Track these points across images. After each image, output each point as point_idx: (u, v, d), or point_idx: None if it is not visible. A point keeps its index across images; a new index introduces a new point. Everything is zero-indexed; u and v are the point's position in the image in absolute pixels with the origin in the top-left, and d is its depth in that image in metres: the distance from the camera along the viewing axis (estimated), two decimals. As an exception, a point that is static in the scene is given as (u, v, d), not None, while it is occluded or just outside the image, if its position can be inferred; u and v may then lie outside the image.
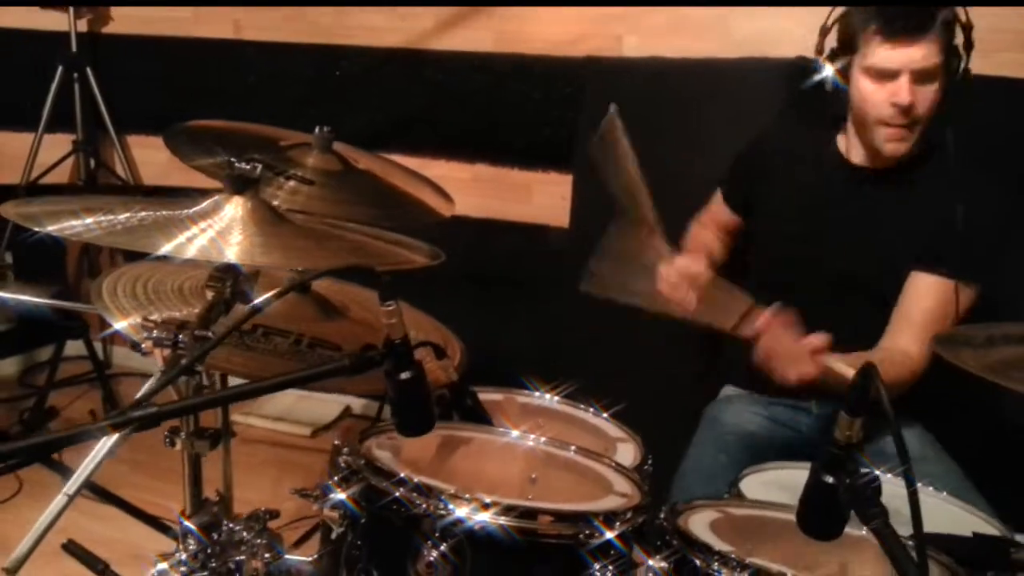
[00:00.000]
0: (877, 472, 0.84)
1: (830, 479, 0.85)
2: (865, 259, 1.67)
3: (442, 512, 0.99)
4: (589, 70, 2.53)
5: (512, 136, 2.75)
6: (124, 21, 2.98)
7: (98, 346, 3.07)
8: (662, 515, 1.10)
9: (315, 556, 1.20)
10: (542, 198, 2.73)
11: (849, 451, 0.84)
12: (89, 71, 2.85)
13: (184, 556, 1.14)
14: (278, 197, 1.63)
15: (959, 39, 1.55)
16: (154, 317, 1.39)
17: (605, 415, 1.63)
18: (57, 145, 2.91)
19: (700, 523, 1.10)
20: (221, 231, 1.05)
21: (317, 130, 1.82)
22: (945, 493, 1.40)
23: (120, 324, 1.39)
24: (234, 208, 1.13)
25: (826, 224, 1.71)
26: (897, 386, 1.53)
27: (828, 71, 1.65)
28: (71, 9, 2.84)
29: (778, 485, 1.41)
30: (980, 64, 2.13)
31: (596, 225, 2.55)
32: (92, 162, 2.89)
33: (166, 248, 0.97)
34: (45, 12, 2.86)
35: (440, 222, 1.89)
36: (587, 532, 1.02)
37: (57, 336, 2.97)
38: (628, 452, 1.53)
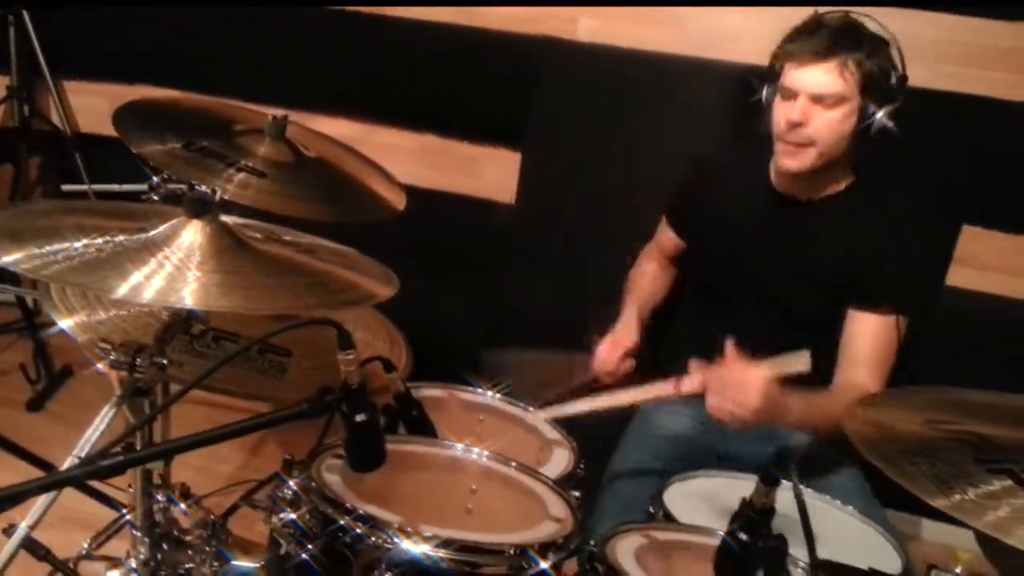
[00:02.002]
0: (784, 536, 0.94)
1: (744, 537, 0.94)
2: (792, 284, 1.75)
3: (387, 544, 1.06)
4: (544, 51, 2.54)
5: (463, 109, 2.75)
6: (61, -39, 2.86)
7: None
8: (592, 543, 1.19)
9: (261, 563, 1.25)
10: (490, 173, 2.76)
11: (763, 516, 0.93)
12: (25, 14, 2.73)
13: (134, 564, 1.19)
14: (227, 190, 1.63)
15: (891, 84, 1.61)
16: (101, 317, 1.42)
17: (544, 416, 1.71)
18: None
19: (626, 550, 1.19)
20: (179, 263, 1.07)
21: (272, 118, 1.82)
22: (851, 508, 1.52)
23: (65, 323, 1.40)
24: (193, 233, 1.14)
25: (755, 249, 1.79)
26: None
27: (766, 91, 1.72)
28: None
29: (700, 495, 1.51)
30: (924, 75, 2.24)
31: (542, 203, 2.63)
32: (27, 109, 2.79)
33: (122, 291, 0.99)
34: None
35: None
36: (524, 563, 1.10)
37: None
38: (563, 456, 1.61)
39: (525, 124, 2.59)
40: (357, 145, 2.78)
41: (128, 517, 1.41)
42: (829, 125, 1.61)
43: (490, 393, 1.76)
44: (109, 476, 0.88)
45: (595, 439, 1.76)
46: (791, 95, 1.64)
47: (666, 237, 2.00)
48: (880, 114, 1.59)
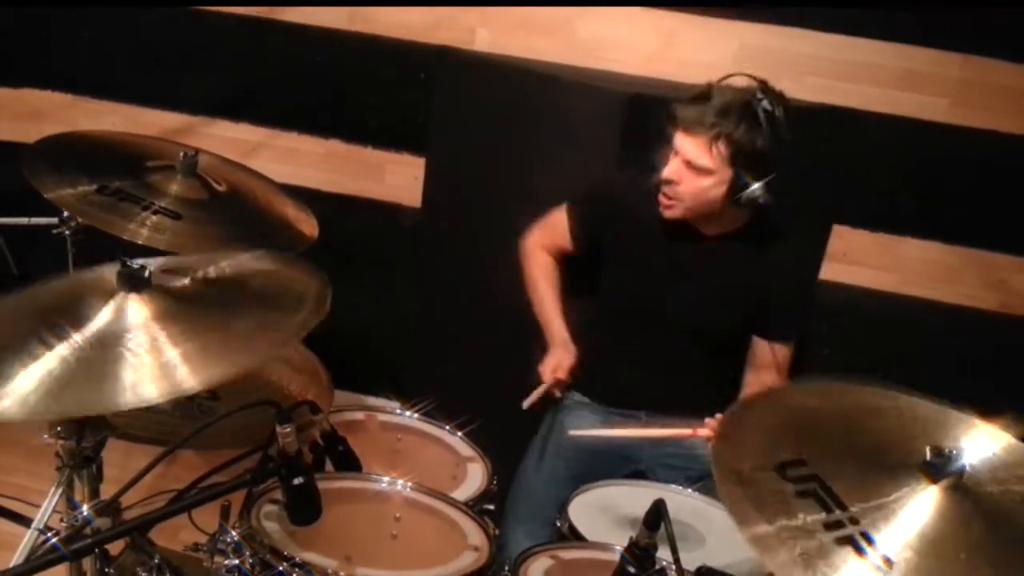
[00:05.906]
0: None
1: (632, 570, 1.12)
2: (700, 310, 1.91)
3: (324, 589, 1.19)
4: (442, 60, 2.61)
5: (366, 115, 2.82)
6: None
7: None
8: (507, 568, 1.34)
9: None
10: (395, 178, 2.84)
11: (646, 552, 1.11)
12: None
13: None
14: (141, 235, 1.68)
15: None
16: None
17: (459, 434, 1.84)
18: None
19: (536, 573, 1.36)
20: (149, 345, 1.14)
21: (182, 155, 1.86)
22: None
23: None
24: (139, 309, 1.20)
25: (662, 276, 1.93)
26: None
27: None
28: None
29: (600, 506, 1.69)
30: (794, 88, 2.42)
31: (448, 207, 2.72)
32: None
33: (128, 398, 1.05)
34: None
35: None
36: (449, 595, 1.25)
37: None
38: (477, 472, 1.76)
39: (429, 130, 2.67)
40: (261, 150, 2.85)
41: (54, 540, 1.48)
42: (696, 190, 1.78)
43: (408, 413, 1.88)
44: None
45: (507, 449, 1.92)
46: (673, 153, 1.80)
47: (560, 232, 2.06)
48: (755, 187, 1.74)
